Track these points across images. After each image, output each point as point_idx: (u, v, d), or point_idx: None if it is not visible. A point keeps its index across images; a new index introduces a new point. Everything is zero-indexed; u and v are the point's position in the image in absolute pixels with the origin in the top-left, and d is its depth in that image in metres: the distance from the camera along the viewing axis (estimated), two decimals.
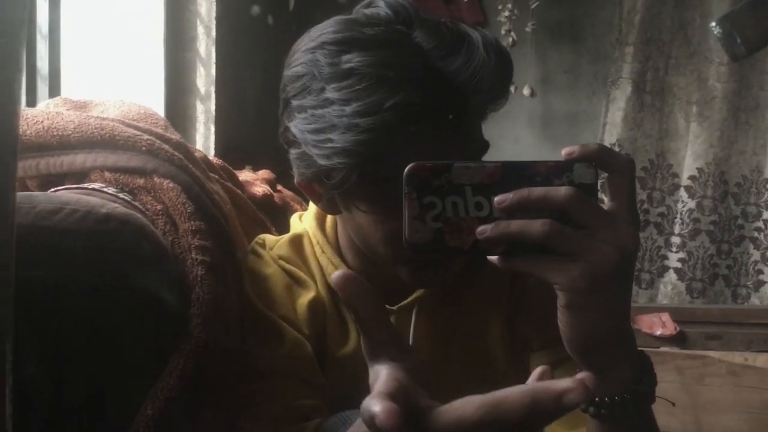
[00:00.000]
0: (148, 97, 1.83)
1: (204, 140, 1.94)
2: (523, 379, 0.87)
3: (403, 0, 0.76)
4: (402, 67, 0.69)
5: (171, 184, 0.80)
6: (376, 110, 0.68)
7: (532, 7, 2.48)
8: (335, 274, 0.47)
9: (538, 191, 0.54)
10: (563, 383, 0.42)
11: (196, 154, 1.06)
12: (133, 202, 0.79)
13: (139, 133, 0.85)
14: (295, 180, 0.83)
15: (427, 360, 0.85)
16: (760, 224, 2.71)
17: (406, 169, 0.55)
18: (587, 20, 2.85)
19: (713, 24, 0.44)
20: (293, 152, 0.79)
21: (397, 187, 0.70)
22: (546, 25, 2.74)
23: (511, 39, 2.49)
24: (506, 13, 2.46)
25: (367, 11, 0.77)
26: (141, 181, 0.81)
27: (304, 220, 0.95)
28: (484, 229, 0.54)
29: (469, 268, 0.88)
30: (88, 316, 0.62)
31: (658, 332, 2.22)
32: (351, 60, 0.70)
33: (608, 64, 2.79)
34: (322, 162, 0.73)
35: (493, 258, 0.57)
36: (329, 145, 0.72)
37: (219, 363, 0.72)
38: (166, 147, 0.85)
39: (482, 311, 0.89)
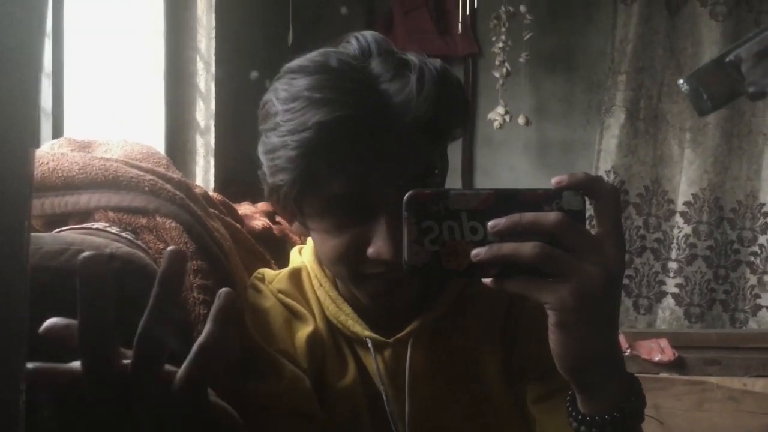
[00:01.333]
0: (150, 131, 1.86)
1: (204, 173, 1.97)
2: (518, 411, 0.88)
3: (375, 35, 0.80)
4: (334, 88, 0.72)
5: (173, 224, 0.82)
6: (302, 128, 0.72)
7: (526, 38, 2.52)
8: (167, 249, 0.50)
9: (528, 216, 0.58)
10: None
11: (197, 190, 1.08)
12: (135, 241, 0.81)
13: (141, 173, 0.87)
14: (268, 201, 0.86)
15: (424, 394, 0.86)
16: (756, 249, 2.73)
17: (405, 196, 0.59)
18: (580, 50, 2.90)
19: (681, 81, 0.46)
20: (260, 174, 0.83)
21: (339, 205, 0.74)
22: (539, 56, 2.79)
23: (505, 69, 2.53)
24: (500, 45, 2.50)
25: (341, 45, 0.81)
26: (144, 221, 0.83)
27: (304, 254, 0.97)
28: (478, 252, 0.58)
29: (462, 296, 0.89)
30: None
31: (657, 358, 2.23)
32: (297, 84, 0.74)
33: (602, 92, 2.83)
34: (270, 180, 0.78)
35: (487, 280, 0.60)
36: (273, 163, 0.76)
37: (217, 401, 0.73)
38: (168, 186, 0.88)
39: (477, 342, 0.90)
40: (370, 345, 0.87)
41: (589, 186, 0.59)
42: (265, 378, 0.84)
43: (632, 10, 2.75)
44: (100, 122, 1.77)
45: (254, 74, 1.94)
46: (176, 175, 0.92)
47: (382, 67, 0.75)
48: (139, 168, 0.89)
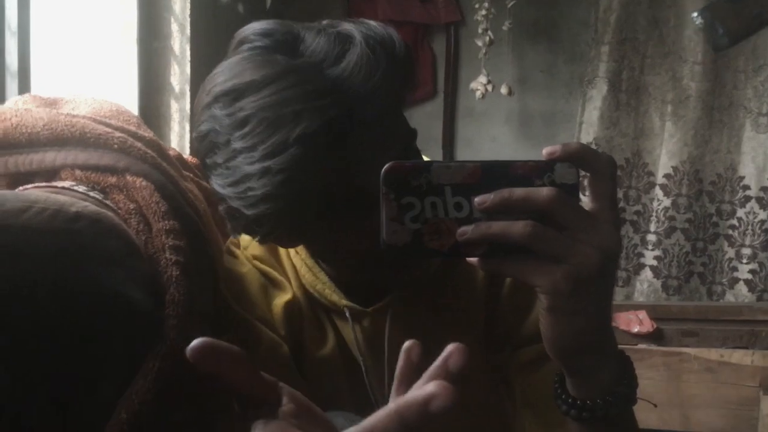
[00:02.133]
0: (122, 95, 1.80)
1: (179, 139, 1.92)
2: (494, 381, 0.86)
3: (274, 23, 0.74)
4: (294, 98, 0.67)
5: (144, 183, 0.78)
6: (284, 148, 0.66)
7: (509, 6, 2.48)
8: (189, 347, 0.43)
9: (519, 192, 0.53)
10: (426, 390, 0.39)
11: (170, 152, 1.04)
12: (104, 201, 0.77)
13: (110, 130, 0.83)
14: (231, 236, 0.83)
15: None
16: (735, 222, 2.74)
17: (383, 169, 0.54)
18: (563, 20, 2.87)
19: (695, 14, 0.43)
20: (221, 209, 0.77)
21: (332, 227, 0.70)
22: (523, 25, 2.75)
23: (488, 38, 2.49)
24: (483, 12, 2.46)
25: (245, 46, 0.75)
26: (113, 180, 0.79)
27: None
28: (464, 231, 0.53)
29: (443, 269, 0.87)
30: (56, 317, 0.60)
31: (635, 329, 2.24)
32: (245, 107, 0.68)
33: (584, 63, 2.81)
34: (250, 212, 0.71)
35: (474, 260, 0.56)
36: (250, 194, 0.70)
37: (192, 367, 0.70)
38: (139, 145, 0.83)
39: (457, 312, 0.88)
40: (348, 314, 0.85)
41: (583, 157, 0.55)
42: (242, 343, 0.81)
43: None
44: (69, 84, 1.71)
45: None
46: (147, 134, 0.88)
47: (319, 52, 0.69)
48: (108, 125, 0.85)
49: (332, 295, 0.85)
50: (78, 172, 0.79)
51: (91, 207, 0.69)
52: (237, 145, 0.69)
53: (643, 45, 2.77)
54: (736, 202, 2.74)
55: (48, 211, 0.66)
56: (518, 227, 0.52)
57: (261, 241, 0.80)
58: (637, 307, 2.41)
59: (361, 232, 0.72)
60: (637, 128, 2.81)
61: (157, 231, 0.75)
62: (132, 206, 0.76)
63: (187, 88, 1.91)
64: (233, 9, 2.14)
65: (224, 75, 0.72)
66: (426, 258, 0.77)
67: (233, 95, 0.69)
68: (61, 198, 0.69)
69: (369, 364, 0.86)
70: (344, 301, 0.85)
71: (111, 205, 0.76)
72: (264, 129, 0.67)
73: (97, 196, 0.77)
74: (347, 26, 0.72)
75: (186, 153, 1.93)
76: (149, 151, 0.83)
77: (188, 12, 1.89)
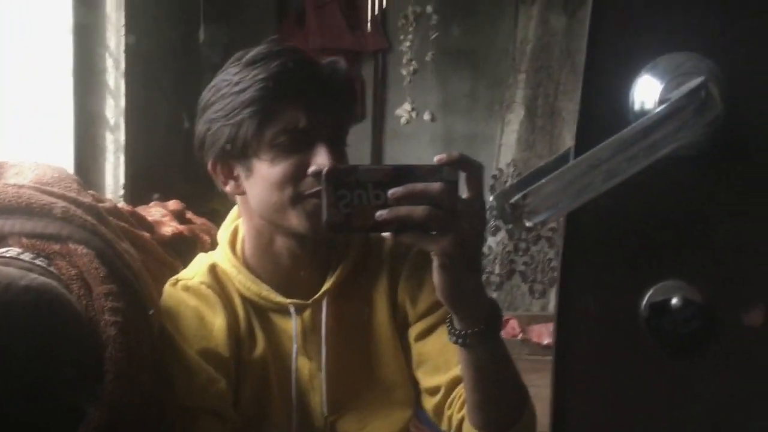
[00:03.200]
0: (58, 128, 1.87)
1: (114, 169, 2.00)
2: (406, 357, 1.05)
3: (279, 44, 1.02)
4: (281, 50, 0.98)
5: (85, 250, 0.89)
6: (266, 73, 0.94)
7: (432, 37, 2.64)
8: None
9: (419, 186, 0.77)
10: None
11: (106, 204, 1.14)
12: (48, 268, 0.88)
13: (54, 200, 0.93)
14: (208, 166, 1.01)
15: (338, 347, 1.03)
16: None
17: (324, 170, 0.79)
18: (484, 48, 3.05)
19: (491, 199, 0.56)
20: (208, 137, 0.98)
21: (293, 139, 0.94)
22: (446, 53, 2.91)
23: (412, 67, 2.65)
24: (408, 43, 2.61)
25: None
26: (57, 247, 0.89)
27: (215, 254, 1.08)
28: (381, 214, 0.77)
29: (364, 257, 1.06)
30: (8, 383, 0.71)
31: (546, 341, 2.43)
32: (243, 61, 0.98)
33: (503, 89, 2.99)
34: (232, 121, 0.94)
35: (387, 234, 0.81)
36: (235, 102, 0.94)
37: (134, 412, 0.82)
38: (80, 212, 0.94)
39: (375, 297, 1.06)
40: (292, 310, 1.02)
41: (461, 163, 0.79)
42: (183, 379, 0.96)
43: (532, 12, 2.91)
44: (6, 119, 1.77)
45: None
46: (87, 199, 0.99)
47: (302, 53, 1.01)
48: (51, 194, 0.95)
49: (277, 296, 1.02)
50: (24, 240, 0.90)
51: (39, 279, 0.81)
52: (235, 76, 0.96)
53: (556, 73, 2.97)
54: None
55: (1, 285, 0.77)
56: (419, 210, 0.76)
57: (221, 169, 1.01)
58: (550, 318, 2.60)
59: (300, 158, 0.95)
60: (552, 150, 3.01)
61: (97, 295, 0.86)
62: (74, 272, 0.87)
63: (122, 120, 2.00)
64: (167, 42, 2.23)
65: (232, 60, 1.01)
66: (354, 233, 1.02)
67: (238, 62, 0.98)
68: (12, 272, 0.80)
69: (307, 351, 1.03)
70: (288, 300, 1.02)
71: (55, 271, 0.87)
72: (257, 66, 0.95)
73: (42, 263, 0.87)
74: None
75: (120, 183, 2.03)
76: (89, 218, 0.94)
77: (123, 48, 1.97)
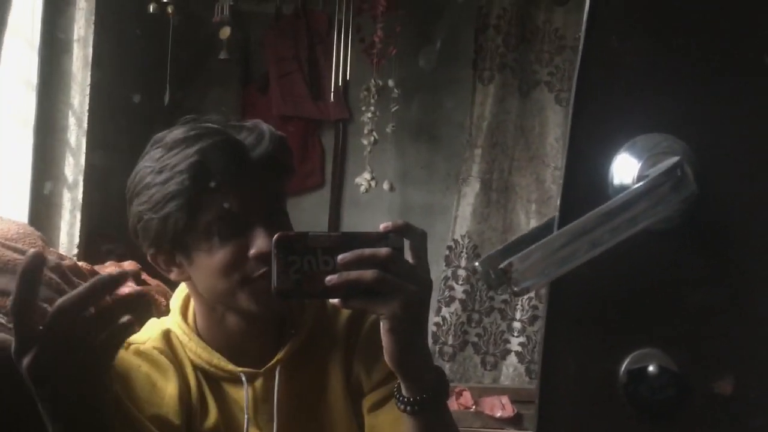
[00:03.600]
0: (15, 183, 1.84)
1: (69, 228, 1.96)
2: (360, 425, 1.04)
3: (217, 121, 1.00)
4: (204, 130, 0.95)
5: (49, 309, 0.87)
6: (187, 158, 0.91)
7: (393, 110, 2.71)
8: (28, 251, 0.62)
9: (367, 251, 0.78)
10: None
11: (66, 262, 1.12)
12: (8, 325, 0.85)
13: (19, 257, 0.92)
14: (148, 257, 0.99)
15: (290, 418, 1.01)
16: None
17: (275, 237, 0.77)
18: (442, 122, 3.14)
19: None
20: (140, 229, 0.96)
21: (227, 224, 0.91)
22: (405, 126, 2.99)
23: (373, 138, 2.71)
24: (369, 115, 2.67)
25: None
26: None
27: (168, 319, 1.06)
28: (330, 279, 0.77)
29: (318, 327, 1.04)
30: None
31: (498, 414, 2.43)
32: (166, 140, 0.95)
33: (460, 162, 3.07)
34: (160, 214, 0.91)
35: (336, 301, 0.79)
36: (162, 194, 0.91)
37: None
38: (45, 270, 0.92)
39: (329, 367, 1.05)
40: (243, 379, 1.00)
41: (406, 230, 0.81)
42: None
43: (489, 90, 3.03)
44: None
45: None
46: (52, 257, 0.97)
47: (234, 128, 0.97)
48: (16, 250, 0.94)
49: (228, 365, 1.00)
50: None
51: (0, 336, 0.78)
52: (157, 164, 0.93)
53: (511, 149, 3.07)
54: None
55: None
56: (367, 275, 0.77)
57: (161, 259, 0.97)
58: (502, 391, 2.60)
59: (239, 243, 0.93)
60: (506, 224, 3.09)
61: None
62: None
63: (81, 178, 1.98)
64: (130, 103, 2.23)
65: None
66: (304, 299, 1.01)
67: (156, 145, 0.96)
68: None
69: (259, 422, 1.00)
70: (240, 368, 1.00)
71: None
72: (177, 151, 0.92)
73: (3, 321, 0.85)
74: (249, 123, 0.99)
75: (75, 242, 1.99)
76: (54, 277, 0.92)
77: (86, 106, 1.97)
